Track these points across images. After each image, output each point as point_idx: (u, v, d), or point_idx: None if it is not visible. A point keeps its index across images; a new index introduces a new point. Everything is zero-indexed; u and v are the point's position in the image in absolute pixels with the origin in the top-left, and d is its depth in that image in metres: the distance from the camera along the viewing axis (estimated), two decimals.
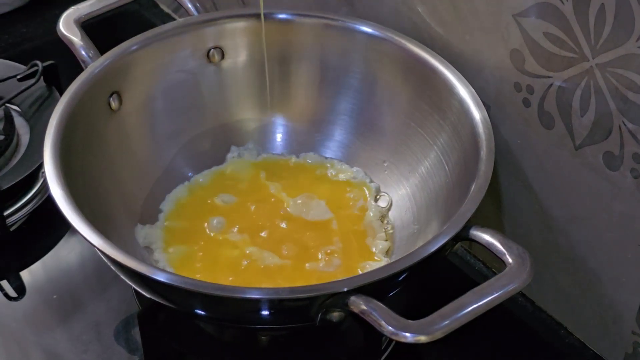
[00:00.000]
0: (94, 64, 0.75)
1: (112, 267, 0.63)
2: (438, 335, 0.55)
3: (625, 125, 0.60)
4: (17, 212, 0.81)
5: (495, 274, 0.61)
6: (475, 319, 0.56)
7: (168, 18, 1.10)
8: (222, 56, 0.81)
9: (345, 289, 0.57)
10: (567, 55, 0.62)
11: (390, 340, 0.69)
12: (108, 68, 0.75)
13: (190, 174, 0.80)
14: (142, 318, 0.69)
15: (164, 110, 0.80)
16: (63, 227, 0.83)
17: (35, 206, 0.82)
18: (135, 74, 0.77)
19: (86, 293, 0.79)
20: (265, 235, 0.75)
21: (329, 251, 0.74)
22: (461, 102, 0.71)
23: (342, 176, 0.81)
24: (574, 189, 0.67)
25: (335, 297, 0.57)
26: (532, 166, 0.70)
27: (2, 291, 0.78)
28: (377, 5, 0.79)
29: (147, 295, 0.64)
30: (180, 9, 1.06)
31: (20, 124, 0.87)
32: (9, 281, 0.79)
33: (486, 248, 0.61)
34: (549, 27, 0.62)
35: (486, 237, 0.61)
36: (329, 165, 0.82)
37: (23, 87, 0.87)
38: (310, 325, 0.59)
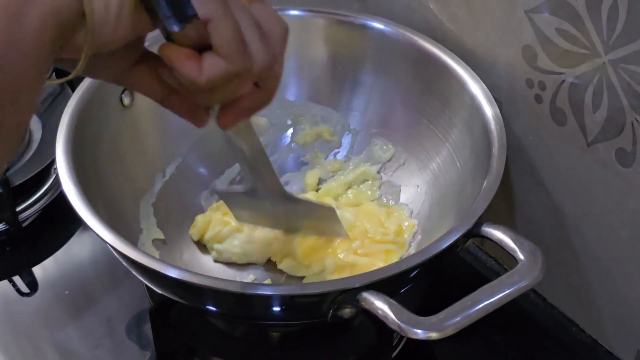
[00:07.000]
0: None
1: (123, 263, 0.63)
2: (450, 332, 0.55)
3: (637, 121, 0.60)
4: (29, 208, 0.82)
5: (507, 270, 0.60)
6: (487, 316, 0.56)
7: None
8: None
9: (357, 285, 0.57)
10: (580, 52, 0.62)
11: (402, 336, 0.68)
12: None
13: (201, 170, 0.80)
14: (154, 314, 0.70)
15: None
16: (75, 223, 0.83)
17: (48, 202, 0.83)
18: None
19: (98, 289, 0.79)
20: None
21: None
22: (473, 99, 0.71)
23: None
24: (586, 185, 0.67)
25: (347, 294, 0.57)
26: (544, 163, 0.70)
27: (14, 287, 0.79)
28: (389, 2, 0.79)
29: (159, 291, 0.64)
30: None
31: (32, 120, 0.87)
32: (21, 277, 0.80)
33: (498, 245, 0.61)
34: (562, 23, 0.62)
35: (498, 234, 0.61)
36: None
37: None
38: (322, 322, 0.60)
